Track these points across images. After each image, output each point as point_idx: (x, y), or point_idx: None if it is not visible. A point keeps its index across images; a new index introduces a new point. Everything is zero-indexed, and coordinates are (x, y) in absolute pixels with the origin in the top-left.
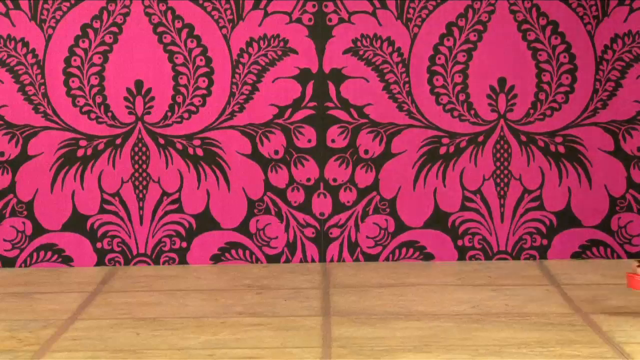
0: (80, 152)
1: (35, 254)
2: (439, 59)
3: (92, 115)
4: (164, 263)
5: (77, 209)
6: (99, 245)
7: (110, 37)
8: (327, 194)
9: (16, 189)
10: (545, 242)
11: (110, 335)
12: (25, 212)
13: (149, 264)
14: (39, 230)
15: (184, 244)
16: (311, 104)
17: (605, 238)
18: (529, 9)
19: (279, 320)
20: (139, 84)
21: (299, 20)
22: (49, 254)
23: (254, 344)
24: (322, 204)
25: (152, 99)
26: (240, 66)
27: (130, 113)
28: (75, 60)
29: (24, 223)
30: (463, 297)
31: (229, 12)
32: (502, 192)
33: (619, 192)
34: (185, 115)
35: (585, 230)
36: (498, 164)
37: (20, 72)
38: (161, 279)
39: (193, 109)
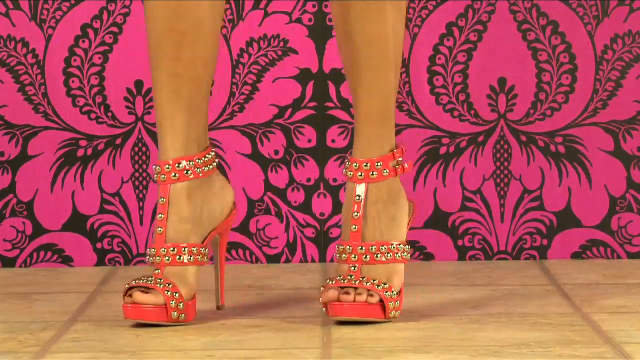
0: (80, 152)
1: (35, 254)
2: (439, 59)
3: (92, 115)
4: None
5: (77, 209)
6: (99, 245)
7: (110, 37)
8: (327, 194)
9: (16, 189)
10: (545, 242)
11: (110, 337)
12: (25, 212)
13: None
14: (39, 230)
15: None
16: (311, 104)
17: (605, 238)
18: (529, 9)
19: (279, 321)
20: (139, 84)
21: (299, 20)
22: (49, 254)
23: (254, 344)
24: (322, 204)
25: (152, 99)
26: (240, 66)
27: (130, 113)
28: (75, 60)
29: (24, 223)
30: (463, 297)
31: (229, 12)
32: (502, 192)
33: (619, 192)
34: None
35: (585, 230)
36: (498, 164)
37: (20, 72)
38: None
39: None
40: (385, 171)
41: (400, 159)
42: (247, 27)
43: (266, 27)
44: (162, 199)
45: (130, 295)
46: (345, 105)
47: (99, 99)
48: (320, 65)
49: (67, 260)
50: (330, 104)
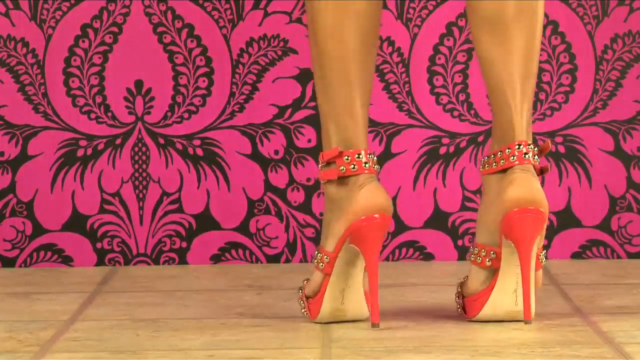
0: (80, 152)
1: (35, 254)
2: (439, 59)
3: (92, 115)
4: (164, 263)
5: (77, 209)
6: (99, 245)
7: (110, 37)
8: None
9: (16, 189)
10: (545, 242)
11: (110, 336)
12: (25, 212)
13: (149, 264)
14: (39, 230)
15: (184, 244)
16: (311, 104)
17: (605, 238)
18: None
19: (279, 321)
20: (139, 84)
21: (299, 20)
22: (49, 254)
23: (254, 344)
24: (322, 204)
25: (152, 99)
26: (240, 66)
27: (130, 113)
28: (75, 60)
29: (24, 223)
30: None
31: (228, 12)
32: None
33: (619, 192)
34: (185, 115)
35: (585, 230)
36: None
37: (20, 72)
38: (161, 279)
39: (193, 109)
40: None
41: (328, 164)
42: (247, 27)
43: (266, 27)
44: None
45: None
46: None
47: (99, 99)
48: None
49: (67, 260)
50: None
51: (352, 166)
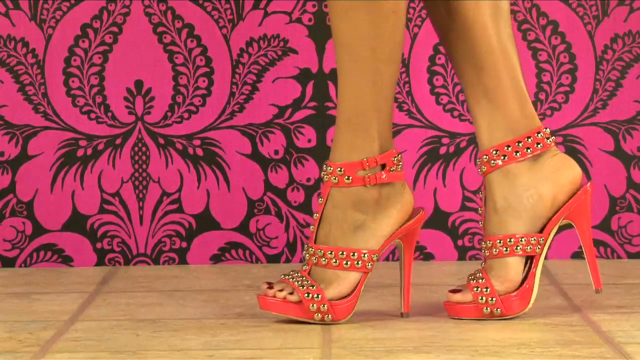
0: (80, 152)
1: (35, 254)
2: (439, 59)
3: (92, 115)
4: (164, 263)
5: (77, 209)
6: (99, 245)
7: (110, 37)
8: None
9: (16, 189)
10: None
11: (110, 336)
12: (25, 212)
13: (149, 264)
14: (39, 230)
15: (184, 244)
16: (311, 104)
17: (605, 238)
18: (529, 9)
19: (279, 321)
20: (139, 84)
21: (299, 20)
22: (49, 254)
23: (253, 344)
24: None
25: (152, 99)
26: (240, 66)
27: (130, 113)
28: (75, 60)
29: (23, 223)
30: None
31: (228, 12)
32: None
33: (619, 192)
34: (185, 115)
35: None
36: None
37: (20, 72)
38: (161, 279)
39: (193, 109)
40: (347, 178)
41: (376, 167)
42: (247, 27)
43: (266, 27)
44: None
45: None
46: None
47: (99, 99)
48: (320, 65)
49: (67, 260)
50: (330, 104)
51: (400, 166)
